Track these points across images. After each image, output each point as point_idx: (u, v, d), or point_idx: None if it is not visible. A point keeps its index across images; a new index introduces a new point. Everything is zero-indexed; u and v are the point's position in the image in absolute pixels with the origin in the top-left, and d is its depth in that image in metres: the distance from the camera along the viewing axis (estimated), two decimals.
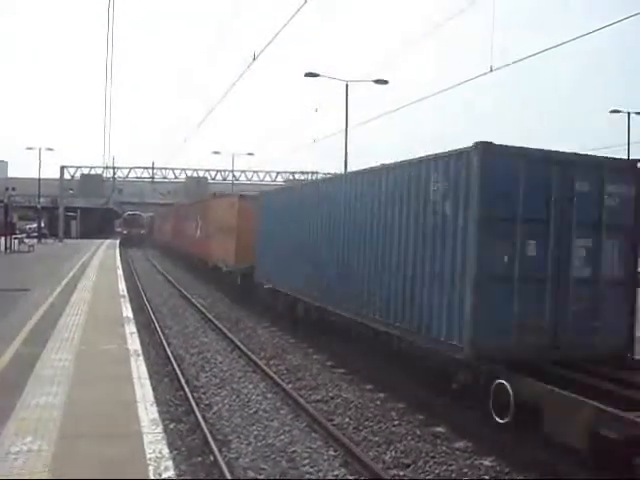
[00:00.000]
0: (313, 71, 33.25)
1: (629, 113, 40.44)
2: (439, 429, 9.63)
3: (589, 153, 11.34)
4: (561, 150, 10.12)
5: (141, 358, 11.15)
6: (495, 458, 8.43)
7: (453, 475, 8.06)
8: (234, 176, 75.21)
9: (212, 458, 8.27)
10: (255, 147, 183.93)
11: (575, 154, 10.33)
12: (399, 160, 11.99)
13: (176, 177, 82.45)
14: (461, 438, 9.19)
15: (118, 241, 66.33)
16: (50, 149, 69.23)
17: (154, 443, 6.80)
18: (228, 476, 7.62)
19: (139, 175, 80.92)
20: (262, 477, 7.89)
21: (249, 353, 14.76)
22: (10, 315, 15.50)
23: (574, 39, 15.46)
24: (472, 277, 9.28)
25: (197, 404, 10.61)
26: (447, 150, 10.23)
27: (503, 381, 8.75)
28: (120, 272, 30.18)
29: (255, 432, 9.47)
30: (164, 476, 5.96)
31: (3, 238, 43.32)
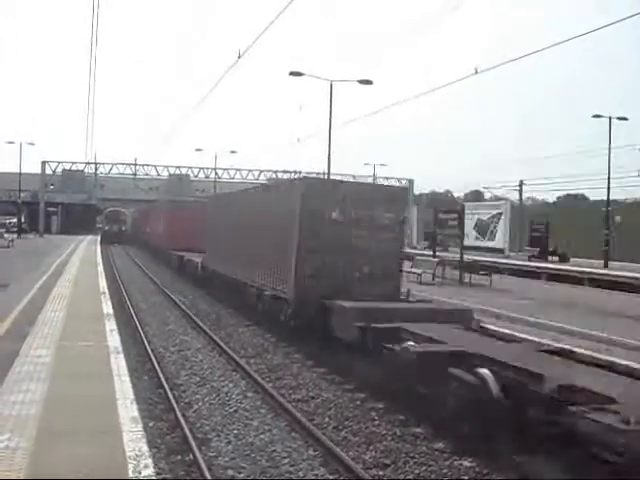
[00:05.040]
0: (298, 70, 33.31)
1: (610, 118, 41.00)
2: (418, 429, 9.66)
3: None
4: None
5: (121, 355, 11.06)
6: (474, 459, 8.47)
7: (433, 476, 8.09)
8: (217, 174, 75.11)
9: (191, 456, 8.24)
10: (238, 145, 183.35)
11: None
12: None
13: (159, 174, 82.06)
14: (441, 438, 9.23)
15: (99, 237, 65.90)
16: (31, 144, 68.63)
17: (134, 441, 6.74)
18: (207, 474, 7.59)
19: (121, 171, 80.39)
20: (241, 476, 7.87)
21: None
22: None
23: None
24: None
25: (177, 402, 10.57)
26: None
27: None
28: (101, 269, 29.94)
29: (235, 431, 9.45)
30: (143, 474, 5.92)
31: None
